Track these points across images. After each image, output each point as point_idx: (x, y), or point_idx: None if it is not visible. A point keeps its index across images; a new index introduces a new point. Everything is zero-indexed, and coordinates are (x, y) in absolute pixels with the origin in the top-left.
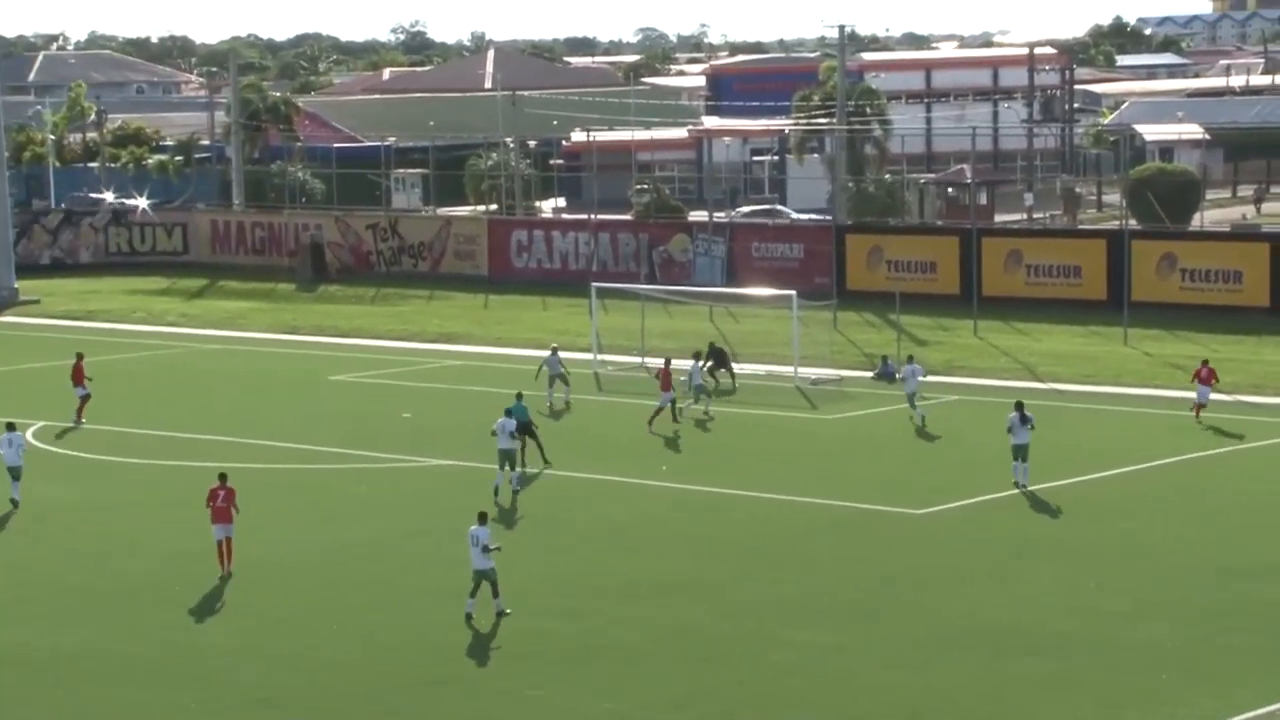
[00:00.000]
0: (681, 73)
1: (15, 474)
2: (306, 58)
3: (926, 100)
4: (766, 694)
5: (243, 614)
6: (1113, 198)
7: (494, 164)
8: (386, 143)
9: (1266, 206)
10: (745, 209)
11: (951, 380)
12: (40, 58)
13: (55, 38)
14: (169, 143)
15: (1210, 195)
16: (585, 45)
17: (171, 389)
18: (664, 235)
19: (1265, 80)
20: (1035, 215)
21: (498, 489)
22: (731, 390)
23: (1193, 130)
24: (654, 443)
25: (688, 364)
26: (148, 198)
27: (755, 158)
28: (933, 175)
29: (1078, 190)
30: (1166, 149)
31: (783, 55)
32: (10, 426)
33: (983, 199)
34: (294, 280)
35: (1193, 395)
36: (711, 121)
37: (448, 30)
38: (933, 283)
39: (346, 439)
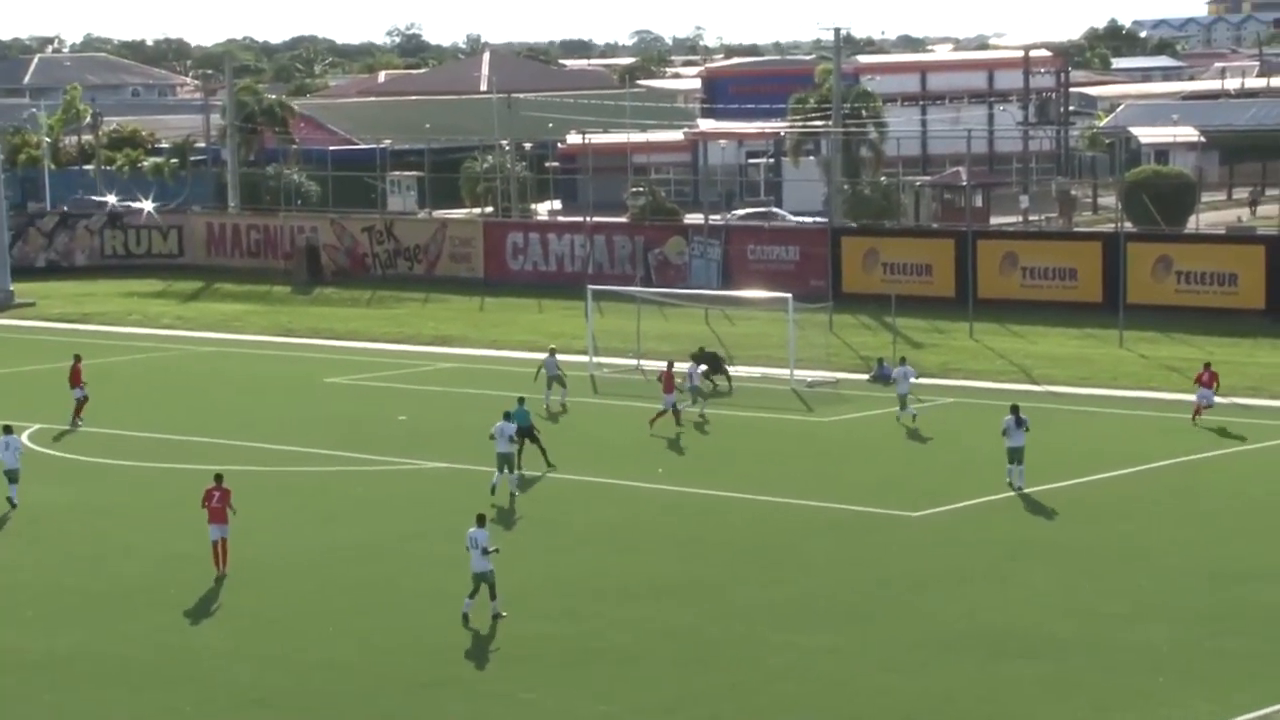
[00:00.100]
0: (677, 75)
1: (12, 476)
2: (302, 60)
3: (922, 103)
4: (761, 697)
5: (238, 616)
6: (1108, 200)
7: (489, 166)
8: (382, 145)
9: (1262, 209)
10: (741, 211)
11: (947, 383)
12: (35, 60)
13: (50, 40)
14: (164, 145)
15: (1205, 198)
16: (581, 48)
17: (167, 391)
18: (660, 238)
19: (1260, 83)
20: (1031, 218)
21: (495, 488)
22: (728, 393)
23: (1188, 133)
24: (651, 445)
25: (687, 366)
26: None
27: (751, 160)
28: (928, 178)
29: (1073, 193)
30: (1162, 151)
31: (778, 58)
32: (7, 429)
33: (978, 201)
34: (289, 283)
35: (1192, 398)
36: (707, 124)
37: (443, 33)
38: (928, 285)
39: (342, 441)
